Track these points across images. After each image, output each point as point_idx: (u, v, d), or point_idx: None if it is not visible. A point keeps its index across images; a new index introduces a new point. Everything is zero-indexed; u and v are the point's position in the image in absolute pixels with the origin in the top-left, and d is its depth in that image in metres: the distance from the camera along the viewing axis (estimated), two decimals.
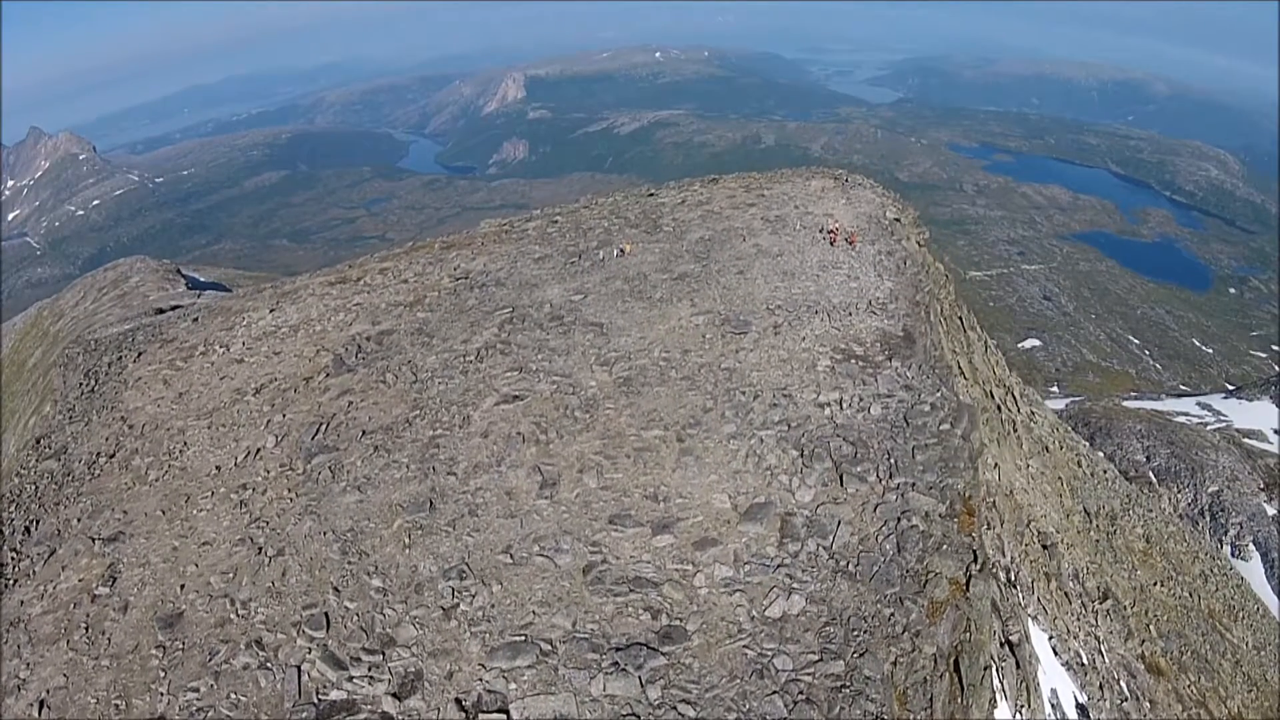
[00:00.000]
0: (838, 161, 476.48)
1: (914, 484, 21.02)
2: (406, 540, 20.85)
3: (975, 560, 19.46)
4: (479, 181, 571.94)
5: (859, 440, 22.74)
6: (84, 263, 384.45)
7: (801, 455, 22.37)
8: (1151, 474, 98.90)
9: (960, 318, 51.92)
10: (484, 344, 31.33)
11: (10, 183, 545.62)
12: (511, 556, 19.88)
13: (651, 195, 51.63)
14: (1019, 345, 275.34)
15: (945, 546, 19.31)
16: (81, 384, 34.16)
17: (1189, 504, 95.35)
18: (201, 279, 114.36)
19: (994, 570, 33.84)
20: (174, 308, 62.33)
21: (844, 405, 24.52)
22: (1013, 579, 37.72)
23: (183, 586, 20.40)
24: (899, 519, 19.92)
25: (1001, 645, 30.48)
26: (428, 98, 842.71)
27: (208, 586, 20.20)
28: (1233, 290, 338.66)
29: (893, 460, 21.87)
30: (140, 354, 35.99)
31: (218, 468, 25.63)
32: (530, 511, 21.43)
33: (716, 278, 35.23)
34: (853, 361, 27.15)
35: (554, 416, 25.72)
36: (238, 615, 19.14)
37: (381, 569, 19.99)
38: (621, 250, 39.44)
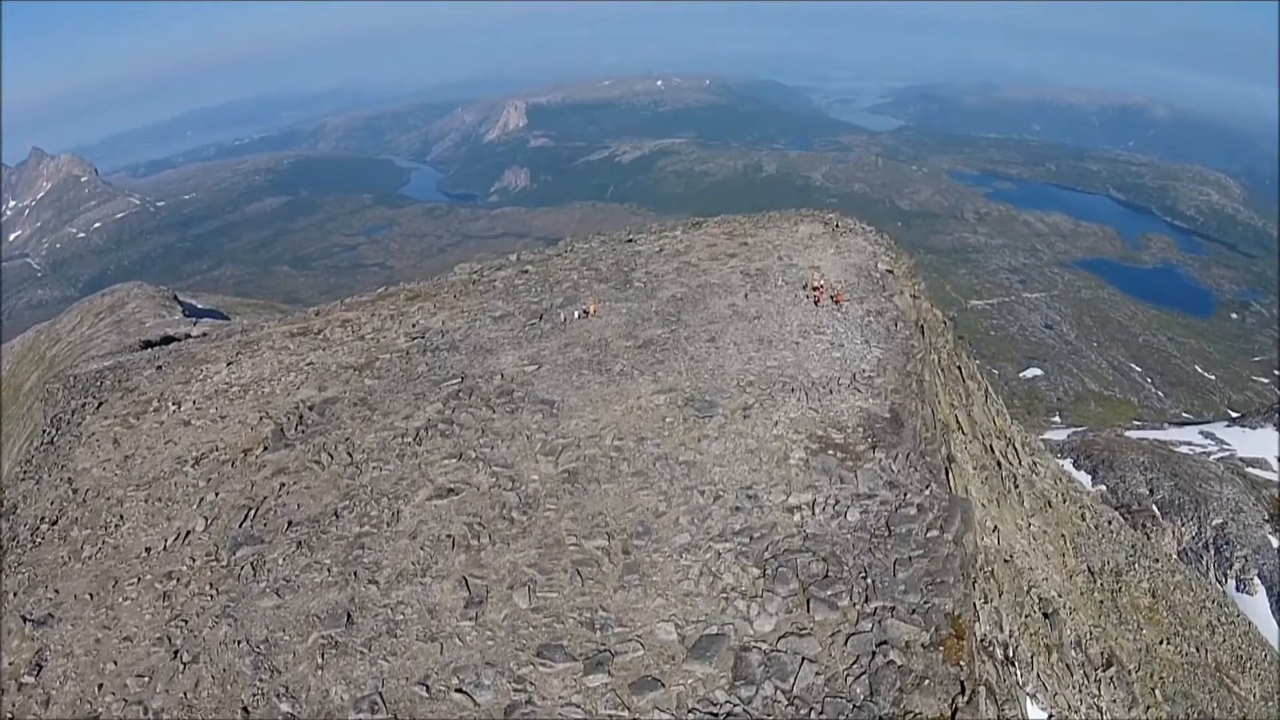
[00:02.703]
0: (839, 190, 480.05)
1: (893, 608, 18.12)
2: (320, 660, 18.71)
3: (963, 692, 16.66)
4: (480, 209, 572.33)
5: (831, 555, 19.76)
6: (84, 285, 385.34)
7: (764, 575, 19.43)
8: (1155, 507, 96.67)
9: (959, 368, 49.46)
10: (426, 421, 28.78)
11: (12, 203, 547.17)
12: (428, 689, 17.54)
13: (630, 241, 49.03)
14: (1020, 375, 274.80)
15: (927, 682, 16.54)
16: (45, 432, 34.33)
17: (1193, 537, 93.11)
18: (199, 305, 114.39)
19: (991, 648, 31.40)
20: (164, 339, 63.62)
21: (817, 510, 21.53)
22: (1011, 655, 35.01)
23: (100, 686, 19.41)
24: (874, 653, 17.04)
25: None
26: (429, 124, 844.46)
27: (124, 689, 19.13)
28: (1234, 315, 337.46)
29: (870, 580, 18.92)
30: (100, 404, 35.29)
31: (147, 549, 24.35)
32: (452, 635, 18.94)
33: (685, 346, 32.25)
34: (830, 453, 24.12)
35: (489, 516, 22.96)
36: None
37: (292, 691, 18.09)
38: (585, 311, 36.73)
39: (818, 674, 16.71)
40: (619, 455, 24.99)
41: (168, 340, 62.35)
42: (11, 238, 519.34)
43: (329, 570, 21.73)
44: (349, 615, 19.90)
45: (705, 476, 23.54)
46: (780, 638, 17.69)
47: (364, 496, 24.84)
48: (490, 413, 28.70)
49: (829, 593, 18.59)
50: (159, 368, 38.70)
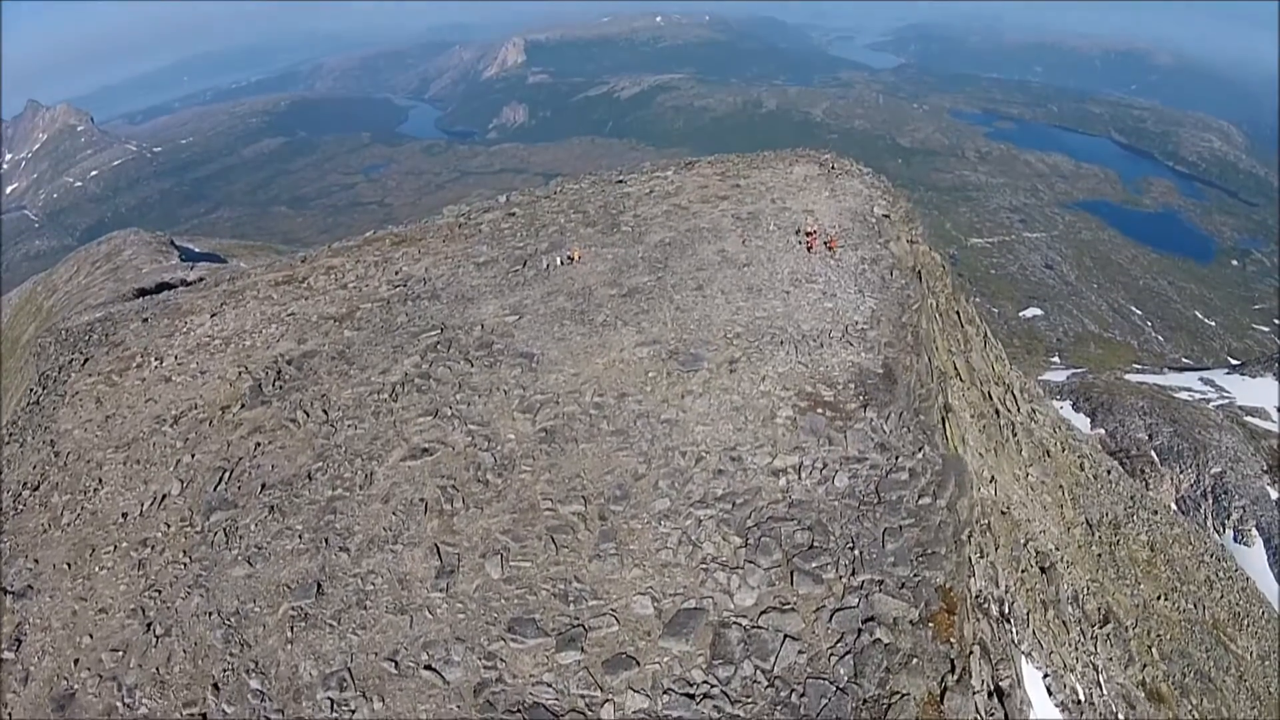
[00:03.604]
0: (839, 126, 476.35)
1: (881, 582, 17.22)
2: (289, 634, 18.50)
3: (953, 671, 15.86)
4: (478, 146, 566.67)
5: (818, 524, 18.73)
6: (82, 234, 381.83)
7: (746, 544, 18.47)
8: (1154, 453, 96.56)
9: (958, 312, 48.35)
10: (403, 376, 27.89)
11: (9, 156, 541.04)
12: (397, 665, 17.08)
13: (620, 183, 47.56)
14: (1020, 314, 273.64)
15: (915, 660, 15.77)
16: (32, 391, 34.67)
17: (1191, 485, 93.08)
18: (196, 250, 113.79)
19: (986, 605, 30.71)
20: (159, 286, 63.83)
21: (803, 474, 20.42)
22: (1006, 612, 34.26)
23: (77, 661, 19.57)
24: (859, 631, 16.21)
25: (990, 696, 26.85)
26: (428, 63, 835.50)
27: (99, 664, 19.26)
28: (1235, 263, 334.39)
29: (857, 551, 17.93)
30: (86, 360, 35.42)
31: (124, 515, 24.34)
32: (422, 607, 18.35)
33: (671, 294, 30.92)
34: (819, 411, 22.95)
35: (463, 479, 22.10)
36: (123, 704, 18.23)
37: (262, 666, 17.98)
38: (569, 257, 35.46)
39: (800, 653, 15.89)
40: (598, 413, 23.94)
41: (162, 288, 62.17)
42: (9, 190, 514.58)
43: (300, 537, 21.25)
44: (319, 585, 19.42)
45: (687, 436, 22.46)
46: (761, 613, 16.84)
47: (338, 457, 24.17)
48: (468, 366, 27.65)
49: (814, 565, 17.64)
50: (145, 320, 38.45)
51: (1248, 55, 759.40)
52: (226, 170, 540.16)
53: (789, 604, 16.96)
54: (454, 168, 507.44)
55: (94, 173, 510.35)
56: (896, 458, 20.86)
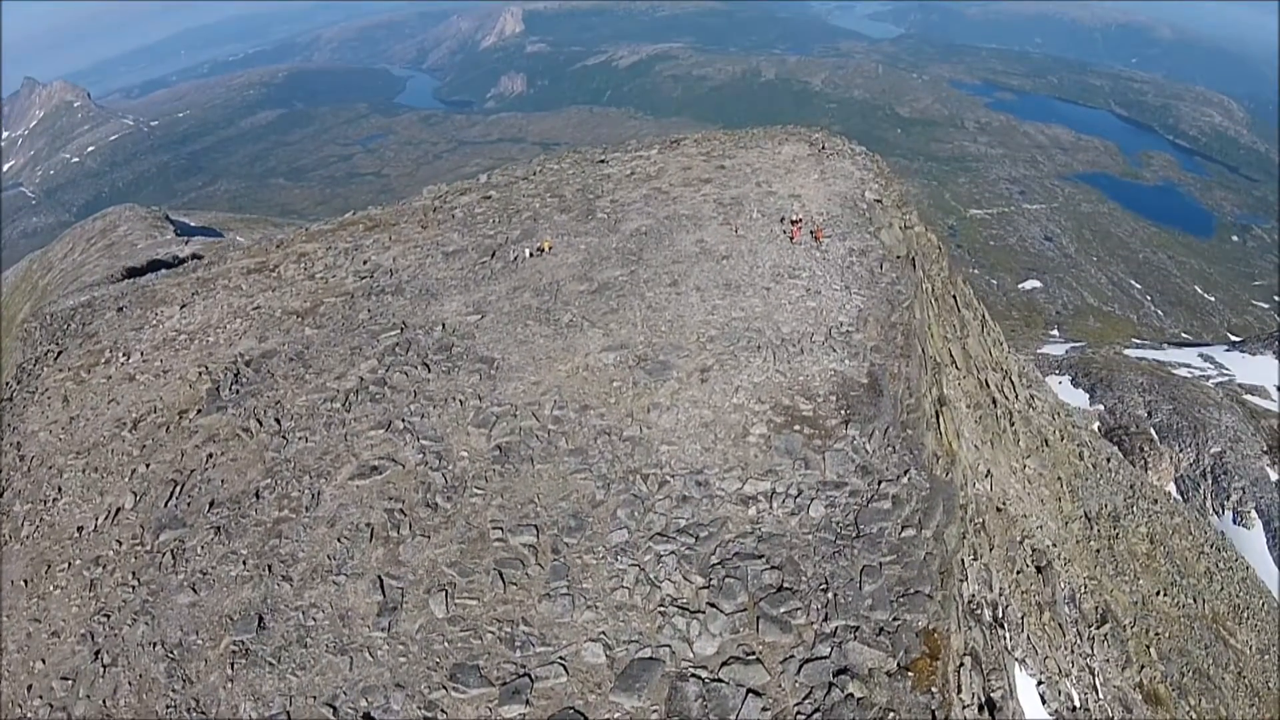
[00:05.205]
0: (838, 96, 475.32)
1: (856, 628, 15.69)
2: (230, 671, 17.68)
3: None
4: (476, 116, 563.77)
5: (788, 561, 17.17)
6: (79, 210, 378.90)
7: (709, 585, 16.93)
8: (1153, 430, 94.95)
9: (955, 296, 46.92)
10: (358, 383, 26.60)
11: (5, 134, 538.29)
12: (335, 712, 15.98)
13: (601, 163, 46.04)
14: (1019, 286, 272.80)
15: (892, 716, 14.30)
16: (7, 385, 34.53)
17: (1191, 465, 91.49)
18: (192, 224, 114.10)
19: (979, 610, 29.43)
20: (150, 263, 64.21)
21: (775, 502, 18.82)
22: (1000, 617, 32.99)
23: (30, 688, 19.27)
24: (830, 685, 14.70)
25: (980, 710, 25.56)
26: (425, 32, 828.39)
27: (50, 692, 18.93)
28: (1235, 238, 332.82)
29: (831, 594, 16.39)
30: (60, 354, 35.27)
31: (79, 529, 23.97)
32: (363, 647, 17.15)
33: (643, 291, 29.26)
34: (796, 429, 21.28)
35: (411, 501, 20.71)
36: None
37: (202, 705, 17.33)
38: (539, 249, 33.86)
39: (764, 710, 14.43)
40: (557, 428, 22.40)
41: (154, 265, 62.60)
42: (5, 168, 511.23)
43: (244, 563, 20.37)
44: (260, 619, 18.60)
45: (651, 457, 20.88)
46: (723, 664, 15.37)
47: (286, 474, 23.09)
48: (426, 372, 26.18)
49: (782, 610, 16.11)
50: (120, 310, 37.93)
51: (1248, 31, 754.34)
52: (224, 143, 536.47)
53: (753, 654, 15.47)
54: (451, 137, 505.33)
55: (91, 148, 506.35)
56: (879, 483, 19.27)
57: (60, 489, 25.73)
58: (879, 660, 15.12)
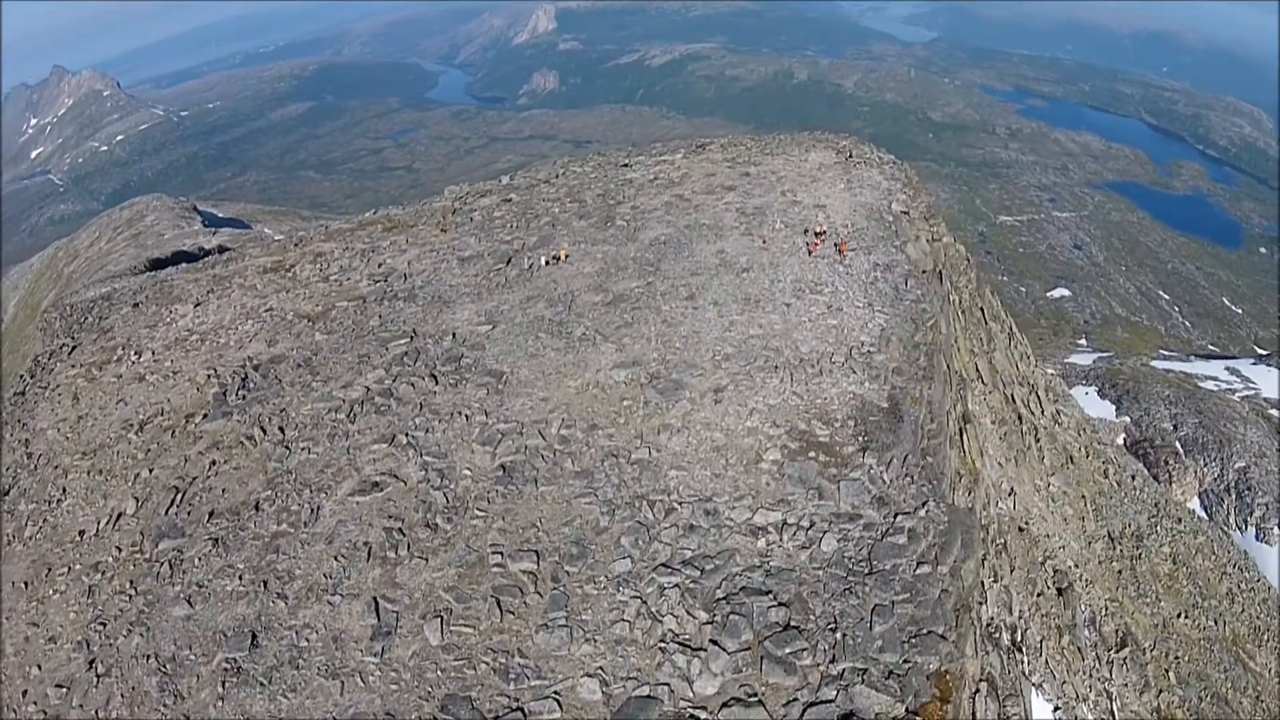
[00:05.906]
0: (870, 99, 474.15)
1: (865, 671, 15.08)
2: (221, 689, 17.38)
3: None
4: (508, 112, 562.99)
5: (796, 599, 16.54)
6: (107, 199, 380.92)
7: (712, 621, 16.34)
8: (1179, 444, 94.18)
9: (982, 309, 46.02)
10: (364, 393, 26.13)
11: (34, 121, 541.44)
12: None
13: (625, 166, 45.36)
14: (1048, 294, 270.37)
15: None
16: (21, 379, 34.32)
17: (1215, 479, 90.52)
18: (220, 215, 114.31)
19: (997, 634, 28.80)
20: (175, 255, 64.27)
21: (786, 534, 18.19)
22: (1019, 640, 32.28)
23: (25, 694, 19.04)
24: None
25: None
26: (456, 29, 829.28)
27: (45, 699, 18.76)
28: (1263, 250, 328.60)
29: (840, 634, 15.76)
30: (74, 348, 34.86)
31: (81, 532, 23.56)
32: (355, 672, 16.78)
33: (659, 304, 28.63)
34: (811, 456, 20.60)
35: (411, 520, 20.25)
36: None
37: None
38: (555, 257, 33.26)
39: None
40: (564, 448, 21.85)
41: (179, 257, 62.41)
42: (34, 155, 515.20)
43: (241, 577, 20.08)
44: (254, 636, 18.34)
45: (659, 482, 20.28)
46: (723, 705, 14.87)
47: (287, 486, 22.74)
48: (433, 384, 25.72)
49: (788, 650, 15.52)
50: (136, 305, 37.68)
51: (1275, 41, 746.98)
52: (253, 134, 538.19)
53: (755, 695, 14.92)
54: (483, 133, 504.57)
55: (120, 137, 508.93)
56: (895, 515, 18.61)
57: (65, 490, 25.51)
58: (887, 705, 14.54)
